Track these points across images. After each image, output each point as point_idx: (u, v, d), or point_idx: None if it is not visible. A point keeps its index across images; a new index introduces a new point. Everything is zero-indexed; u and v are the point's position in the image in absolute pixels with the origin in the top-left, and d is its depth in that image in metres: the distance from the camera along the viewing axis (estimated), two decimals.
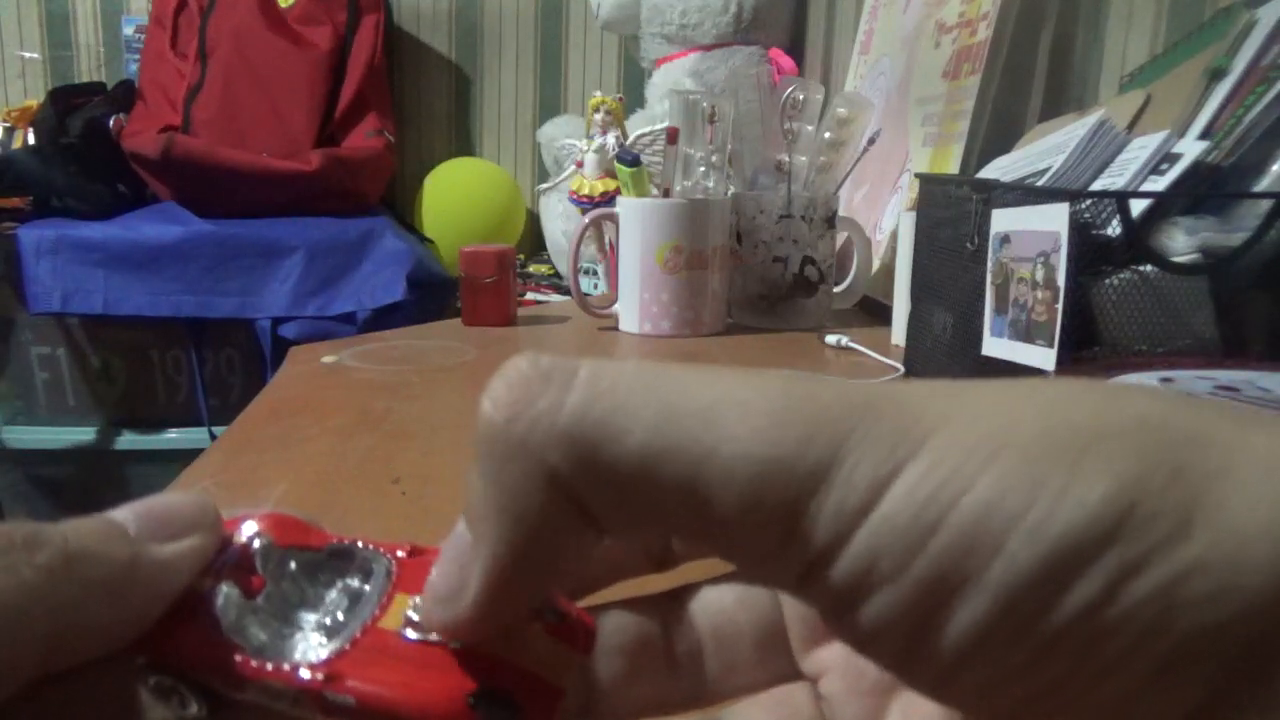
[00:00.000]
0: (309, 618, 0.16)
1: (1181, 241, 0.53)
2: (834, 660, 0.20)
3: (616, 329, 0.95)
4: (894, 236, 0.94)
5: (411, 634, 0.16)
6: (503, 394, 0.14)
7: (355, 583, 0.17)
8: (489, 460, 0.14)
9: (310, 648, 0.16)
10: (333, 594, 0.17)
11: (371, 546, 0.18)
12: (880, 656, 0.14)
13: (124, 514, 0.16)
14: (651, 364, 0.15)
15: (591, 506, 0.14)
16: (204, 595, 0.16)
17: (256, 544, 0.17)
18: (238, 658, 0.15)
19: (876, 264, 1.00)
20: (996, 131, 0.86)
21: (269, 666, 0.15)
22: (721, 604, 0.20)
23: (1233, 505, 0.12)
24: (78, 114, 1.61)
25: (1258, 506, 0.12)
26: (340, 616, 0.16)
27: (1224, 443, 0.12)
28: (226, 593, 0.16)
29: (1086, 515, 0.12)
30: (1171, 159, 0.58)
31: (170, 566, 0.16)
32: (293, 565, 0.17)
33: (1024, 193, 0.58)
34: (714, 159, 0.93)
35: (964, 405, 0.13)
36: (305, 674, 0.15)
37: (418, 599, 0.16)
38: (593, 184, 1.38)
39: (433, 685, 0.15)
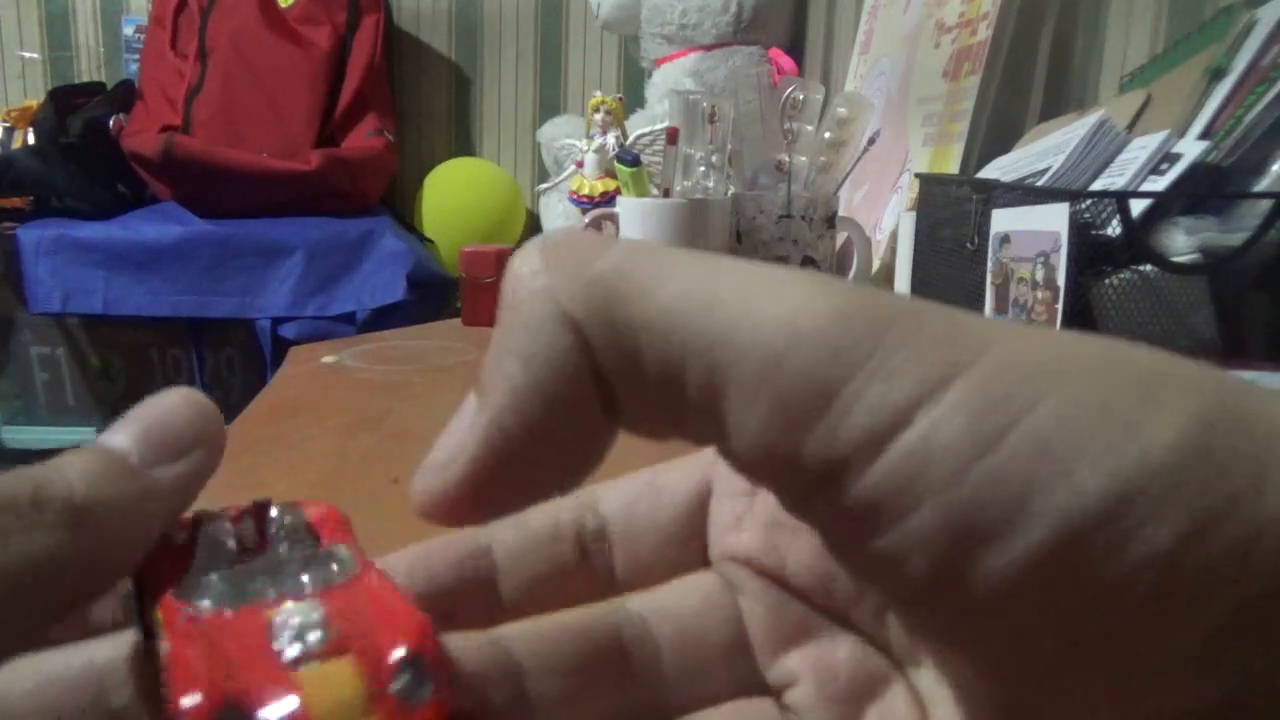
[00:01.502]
0: (262, 588, 0.15)
1: (1181, 241, 0.53)
2: (802, 667, 0.18)
3: None
4: (894, 236, 0.94)
5: (290, 652, 0.14)
6: (535, 249, 0.14)
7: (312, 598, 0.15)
8: (510, 312, 0.14)
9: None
10: (296, 578, 0.15)
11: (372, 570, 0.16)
12: (897, 587, 0.12)
13: (124, 437, 0.15)
14: (683, 251, 0.14)
15: (608, 368, 0.13)
16: (195, 530, 0.15)
17: (275, 512, 0.16)
18: (175, 601, 0.14)
19: (876, 264, 1.00)
20: (996, 131, 0.86)
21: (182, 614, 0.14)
22: (683, 608, 0.19)
23: None
24: (78, 114, 1.61)
25: None
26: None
27: (1275, 400, 0.12)
28: (216, 539, 0.15)
29: (1164, 449, 0.11)
30: (1171, 159, 0.58)
31: (176, 489, 0.15)
32: (296, 549, 0.16)
33: (1024, 193, 0.58)
34: (714, 159, 0.93)
35: (1016, 330, 0.12)
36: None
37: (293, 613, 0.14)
38: (593, 184, 1.38)
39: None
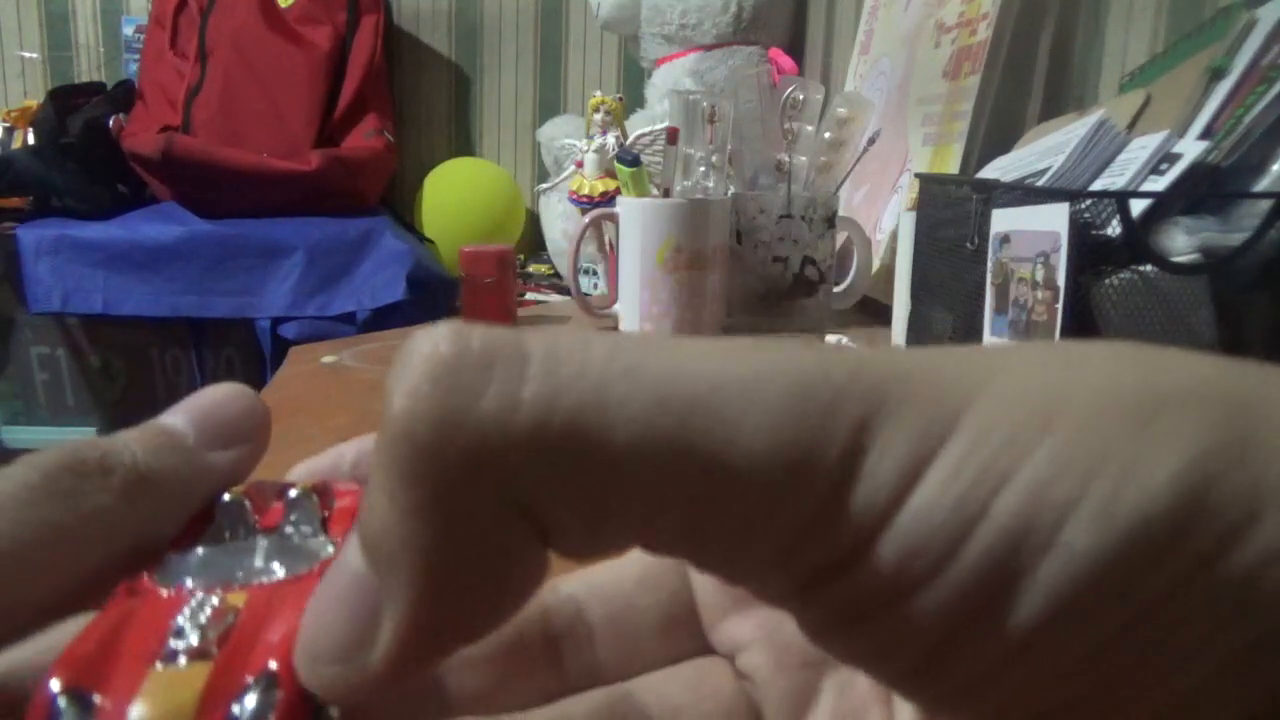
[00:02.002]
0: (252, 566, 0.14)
1: (1181, 241, 0.53)
2: (754, 633, 0.18)
3: (616, 329, 0.95)
4: (894, 236, 0.94)
5: (170, 646, 0.13)
6: (425, 387, 0.11)
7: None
8: (411, 479, 0.11)
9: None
10: (269, 566, 0.15)
11: None
12: (892, 672, 0.12)
13: (182, 420, 0.15)
14: (619, 338, 0.11)
15: (551, 521, 0.11)
16: (214, 505, 0.16)
17: (295, 493, 0.16)
18: (146, 574, 0.14)
19: (876, 264, 1.00)
20: (996, 131, 0.86)
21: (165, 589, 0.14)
22: (619, 588, 0.18)
23: None
24: (78, 114, 1.61)
25: None
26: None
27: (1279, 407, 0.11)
28: (232, 512, 0.15)
29: (1157, 497, 0.10)
30: (1171, 159, 0.58)
31: (223, 474, 0.16)
32: (296, 536, 0.15)
33: (1024, 193, 0.58)
34: (714, 159, 0.93)
35: (1004, 371, 0.11)
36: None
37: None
38: (593, 184, 1.38)
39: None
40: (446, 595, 0.11)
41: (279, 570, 0.14)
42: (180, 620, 0.13)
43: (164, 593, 0.14)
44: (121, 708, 0.12)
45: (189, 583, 0.14)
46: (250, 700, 0.12)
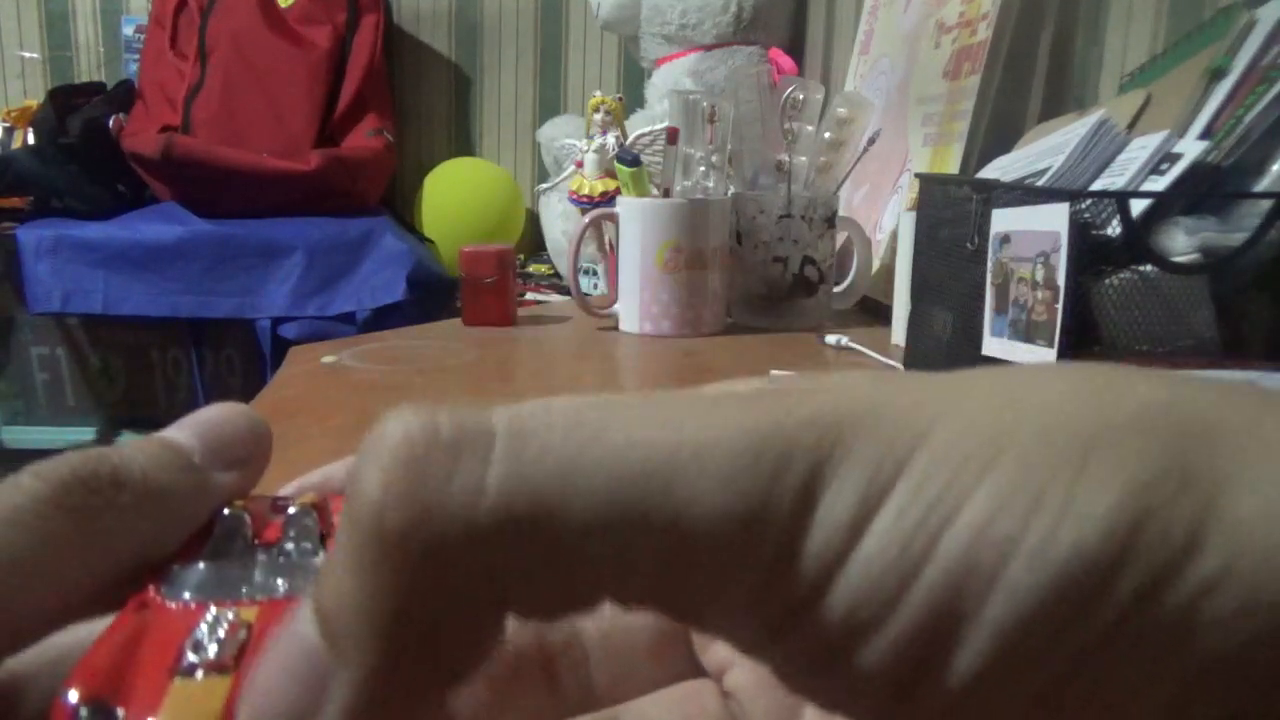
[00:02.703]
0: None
1: (1181, 241, 0.53)
2: (738, 654, 0.18)
3: (616, 329, 0.95)
4: (894, 236, 0.94)
5: (187, 659, 0.13)
6: (395, 475, 0.11)
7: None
8: (378, 563, 0.11)
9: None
10: (273, 580, 0.15)
11: None
12: (862, 712, 0.12)
13: (189, 438, 0.16)
14: (583, 406, 0.12)
15: (514, 598, 0.12)
16: (214, 518, 0.16)
17: (294, 509, 0.16)
18: (151, 586, 0.14)
19: (876, 264, 1.00)
20: (996, 131, 0.86)
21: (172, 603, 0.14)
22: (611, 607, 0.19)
23: (1246, 512, 0.10)
24: (78, 114, 1.61)
25: (1271, 512, 0.10)
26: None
27: (1234, 433, 0.11)
28: (233, 527, 0.16)
29: (1094, 533, 0.10)
30: (1171, 159, 0.58)
31: (226, 492, 0.16)
32: (296, 552, 0.15)
33: (1024, 193, 0.58)
34: (714, 159, 0.93)
35: (954, 407, 0.12)
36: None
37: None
38: (593, 184, 1.38)
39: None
40: (401, 670, 0.12)
41: (282, 586, 0.15)
42: (197, 634, 0.13)
43: (173, 606, 0.14)
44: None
45: (198, 597, 0.14)
46: None
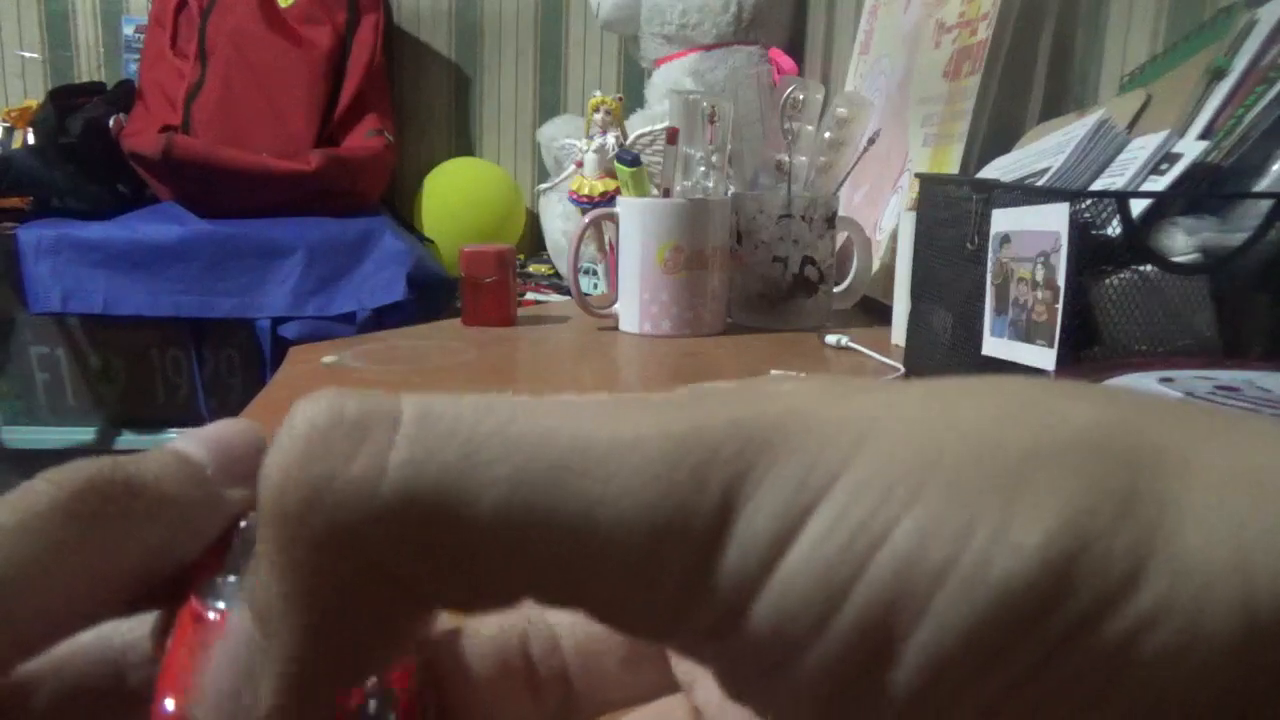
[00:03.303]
0: None
1: (1181, 241, 0.53)
2: (698, 667, 0.18)
3: (616, 329, 0.95)
4: (894, 236, 0.94)
5: None
6: (297, 455, 0.11)
7: None
8: (283, 546, 0.11)
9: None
10: None
11: None
12: None
13: (201, 452, 0.16)
14: (495, 398, 0.12)
15: (426, 588, 0.11)
16: (231, 529, 0.16)
17: None
18: (194, 600, 0.15)
19: (876, 264, 1.00)
20: (996, 131, 0.86)
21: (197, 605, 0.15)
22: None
23: (1187, 541, 0.10)
24: (78, 114, 1.61)
25: (1215, 541, 0.10)
26: None
27: (1178, 459, 0.11)
28: (249, 540, 0.16)
29: (1027, 563, 0.10)
30: (1171, 159, 0.58)
31: (234, 508, 0.16)
32: None
33: (1024, 193, 0.58)
34: (714, 159, 0.93)
35: (885, 424, 0.11)
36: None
37: None
38: (593, 184, 1.39)
39: None
40: (320, 655, 0.12)
41: None
42: None
43: (232, 617, 0.14)
44: None
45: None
46: (371, 705, 0.13)
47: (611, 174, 1.32)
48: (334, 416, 0.11)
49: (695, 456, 0.11)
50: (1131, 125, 0.66)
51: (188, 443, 0.16)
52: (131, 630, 0.16)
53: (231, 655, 0.12)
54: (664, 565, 0.11)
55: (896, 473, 0.11)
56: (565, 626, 0.18)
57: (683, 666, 0.18)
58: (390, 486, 0.11)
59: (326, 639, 0.12)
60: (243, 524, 0.16)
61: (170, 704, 0.13)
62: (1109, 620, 0.10)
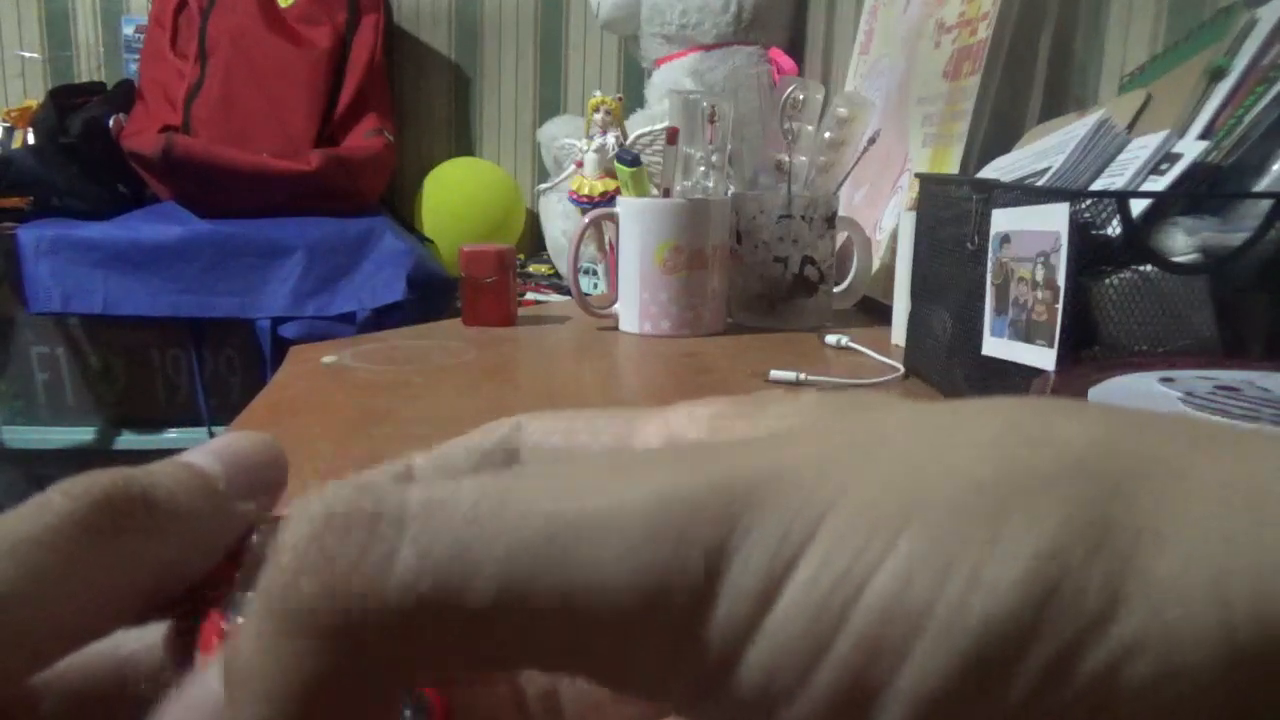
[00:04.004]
0: None
1: (1181, 241, 0.53)
2: None
3: (616, 329, 0.95)
4: (894, 236, 0.94)
5: None
6: (310, 552, 0.11)
7: None
8: (286, 634, 0.11)
9: None
10: None
11: None
12: None
13: (214, 464, 0.16)
14: (487, 481, 0.12)
15: (426, 672, 0.12)
16: (241, 543, 0.16)
17: None
18: (216, 618, 0.15)
19: (876, 264, 1.00)
20: (996, 131, 0.86)
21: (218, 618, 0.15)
22: None
23: (1164, 569, 0.10)
24: (78, 114, 1.61)
25: (1193, 568, 0.10)
26: None
27: (1162, 477, 0.11)
28: (260, 553, 0.16)
29: (1004, 604, 0.10)
30: (1171, 159, 0.58)
31: (246, 521, 0.16)
32: None
33: (1024, 193, 0.58)
34: (714, 159, 0.93)
35: (868, 465, 0.11)
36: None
37: None
38: (593, 184, 1.39)
39: None
40: None
41: None
42: None
43: None
44: None
45: None
46: (404, 714, 0.14)
47: (611, 174, 1.32)
48: (348, 513, 0.11)
49: (680, 520, 0.11)
50: (1131, 125, 0.66)
51: (200, 455, 0.16)
52: (138, 639, 0.16)
53: (190, 711, 0.12)
54: (655, 628, 0.11)
55: (875, 518, 0.11)
56: None
57: None
58: (396, 587, 0.11)
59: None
60: (254, 537, 0.16)
61: None
62: (1087, 654, 0.10)
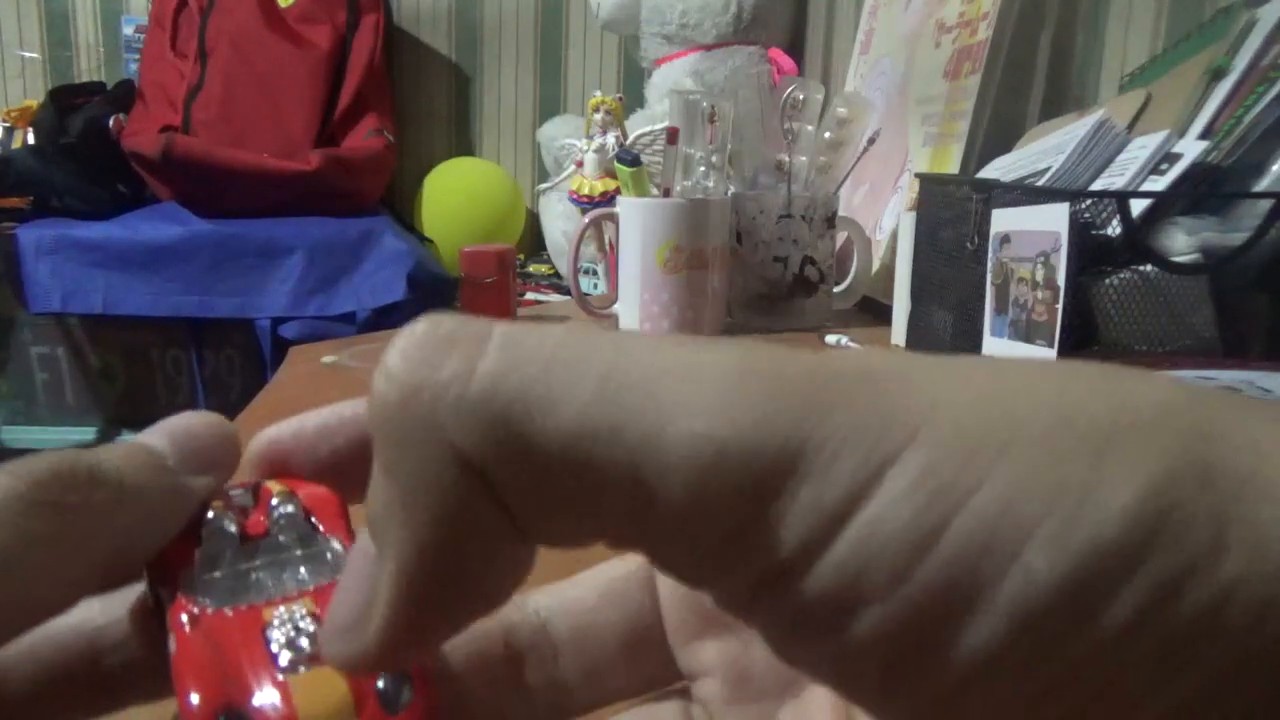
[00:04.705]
0: (260, 578, 0.16)
1: (1181, 241, 0.53)
2: (714, 660, 0.18)
3: (616, 329, 0.95)
4: (894, 236, 0.94)
5: (284, 657, 0.14)
6: (398, 364, 0.12)
7: (324, 571, 0.16)
8: (387, 447, 0.12)
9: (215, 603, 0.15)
10: (294, 571, 0.16)
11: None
12: (853, 688, 0.12)
13: (162, 442, 0.16)
14: (583, 326, 0.12)
15: (510, 497, 0.12)
16: (200, 518, 0.16)
17: (275, 500, 0.17)
18: (182, 599, 0.15)
19: (876, 264, 1.00)
20: (996, 131, 0.86)
21: (186, 601, 0.15)
22: (582, 602, 0.18)
23: (1265, 515, 0.10)
24: (78, 114, 1.61)
25: None
26: (269, 590, 0.15)
27: (1249, 439, 0.11)
28: (221, 526, 0.16)
29: (1117, 521, 0.10)
30: (1171, 159, 0.58)
31: (196, 497, 0.16)
32: (294, 539, 0.16)
33: (1024, 193, 0.58)
34: (714, 159, 0.93)
35: (962, 386, 0.11)
36: (185, 621, 0.15)
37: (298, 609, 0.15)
38: (593, 184, 1.38)
39: (212, 697, 0.14)
40: (429, 573, 0.12)
41: (306, 574, 0.16)
42: (282, 632, 0.15)
43: (229, 613, 0.15)
44: (290, 715, 0.13)
45: (246, 600, 0.15)
46: (384, 680, 0.14)
47: (611, 174, 1.32)
48: (431, 331, 0.12)
49: (770, 390, 0.11)
50: (1131, 125, 0.66)
51: (149, 434, 0.16)
52: (103, 614, 0.17)
53: (353, 581, 0.13)
54: (729, 497, 0.11)
55: (981, 430, 0.11)
56: (558, 615, 0.18)
57: (688, 657, 0.18)
58: (478, 387, 0.11)
59: (434, 555, 0.12)
60: (209, 514, 0.16)
61: (195, 698, 0.14)
62: (1192, 587, 0.10)
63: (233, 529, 0.16)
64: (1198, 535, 0.10)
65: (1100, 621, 0.10)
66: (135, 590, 0.17)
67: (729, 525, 0.11)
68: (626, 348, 0.12)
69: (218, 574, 0.15)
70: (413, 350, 0.12)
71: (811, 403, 0.11)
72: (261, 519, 0.16)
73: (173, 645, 0.14)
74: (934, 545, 0.10)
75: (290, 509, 0.16)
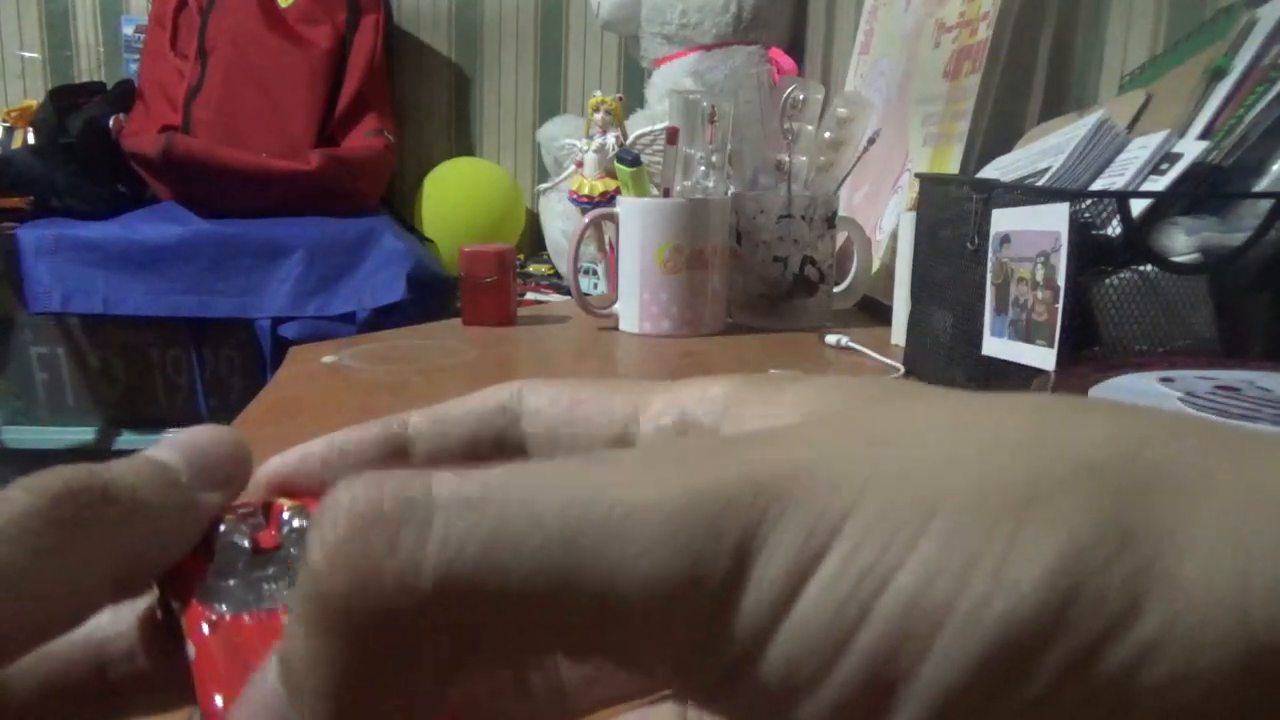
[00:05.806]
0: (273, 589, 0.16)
1: (1181, 241, 0.53)
2: None
3: (616, 329, 0.95)
4: (894, 236, 0.94)
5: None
6: (341, 544, 0.11)
7: None
8: (325, 631, 0.11)
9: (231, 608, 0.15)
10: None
11: None
12: None
13: (176, 458, 0.16)
14: (516, 472, 0.12)
15: (460, 660, 0.12)
16: (213, 533, 0.16)
17: (287, 514, 0.17)
18: (198, 605, 0.15)
19: (876, 264, 1.00)
20: (996, 131, 0.86)
21: (203, 609, 0.15)
22: None
23: (1186, 573, 0.10)
24: (78, 114, 1.61)
25: (1214, 571, 0.10)
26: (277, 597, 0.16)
27: (1182, 481, 0.11)
28: (232, 541, 0.16)
29: (1025, 601, 0.10)
30: (1171, 159, 0.58)
31: (208, 512, 0.16)
32: (304, 551, 0.16)
33: (1024, 193, 0.58)
34: (714, 159, 0.93)
35: (892, 462, 0.11)
36: (205, 625, 0.15)
37: None
38: (593, 184, 1.39)
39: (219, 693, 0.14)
40: None
41: None
42: None
43: (247, 619, 0.15)
44: None
45: (263, 607, 0.15)
46: None
47: (611, 174, 1.32)
48: (374, 506, 0.11)
49: (710, 510, 0.11)
50: (1131, 125, 0.66)
51: (162, 449, 0.16)
52: (111, 625, 0.17)
53: (257, 713, 0.13)
54: (685, 617, 0.11)
55: (900, 516, 0.11)
56: None
57: None
58: (430, 575, 0.11)
59: (366, 712, 0.12)
60: (222, 528, 0.16)
61: (220, 700, 0.14)
62: (1107, 654, 0.10)
63: (245, 542, 0.16)
64: (1111, 603, 0.10)
65: (1016, 696, 0.10)
66: (143, 601, 0.17)
67: (681, 646, 0.11)
68: (570, 488, 0.12)
69: (232, 582, 0.16)
70: (356, 531, 0.11)
71: (749, 514, 0.11)
72: (273, 533, 0.16)
73: (192, 651, 0.15)
74: (856, 635, 0.11)
75: (299, 522, 0.17)
